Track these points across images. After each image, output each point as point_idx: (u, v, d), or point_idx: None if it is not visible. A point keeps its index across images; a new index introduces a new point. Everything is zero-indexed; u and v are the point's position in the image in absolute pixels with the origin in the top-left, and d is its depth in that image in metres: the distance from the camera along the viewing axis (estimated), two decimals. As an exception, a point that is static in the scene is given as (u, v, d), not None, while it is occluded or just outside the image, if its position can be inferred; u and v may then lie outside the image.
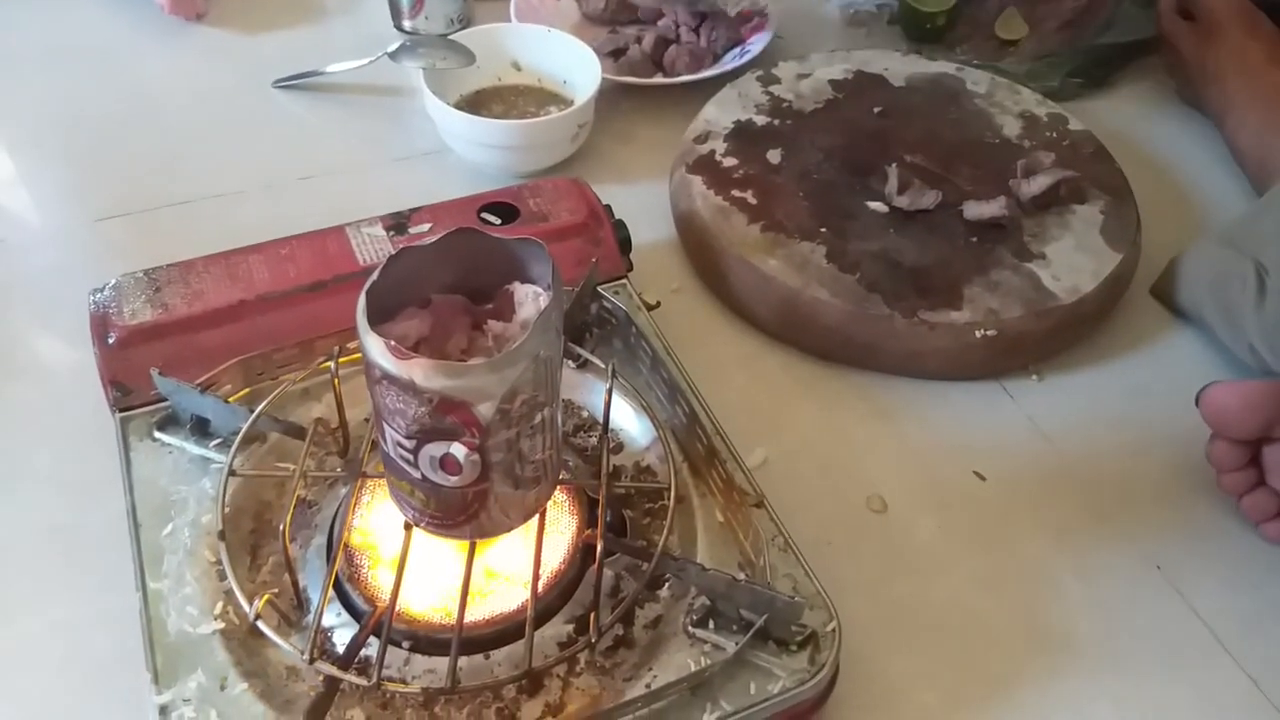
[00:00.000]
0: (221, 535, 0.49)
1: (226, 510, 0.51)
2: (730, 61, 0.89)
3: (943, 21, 0.97)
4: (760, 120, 0.80)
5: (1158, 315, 0.74)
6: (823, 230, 0.71)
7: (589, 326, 0.64)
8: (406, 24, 0.94)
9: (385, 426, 0.42)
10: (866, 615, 0.54)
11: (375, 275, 0.41)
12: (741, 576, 0.49)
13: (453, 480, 0.42)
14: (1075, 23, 0.95)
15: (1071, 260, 0.69)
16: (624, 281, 0.66)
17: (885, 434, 0.66)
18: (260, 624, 0.46)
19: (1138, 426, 0.67)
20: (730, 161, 0.76)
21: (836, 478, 0.63)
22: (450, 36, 0.83)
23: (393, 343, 0.38)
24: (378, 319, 0.42)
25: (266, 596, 0.47)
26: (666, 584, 0.51)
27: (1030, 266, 0.69)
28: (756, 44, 0.91)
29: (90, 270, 0.63)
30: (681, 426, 0.58)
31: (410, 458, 0.41)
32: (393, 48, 0.84)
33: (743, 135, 0.78)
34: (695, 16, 0.94)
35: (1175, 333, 0.73)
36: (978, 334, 0.66)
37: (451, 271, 0.45)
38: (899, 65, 0.86)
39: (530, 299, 0.44)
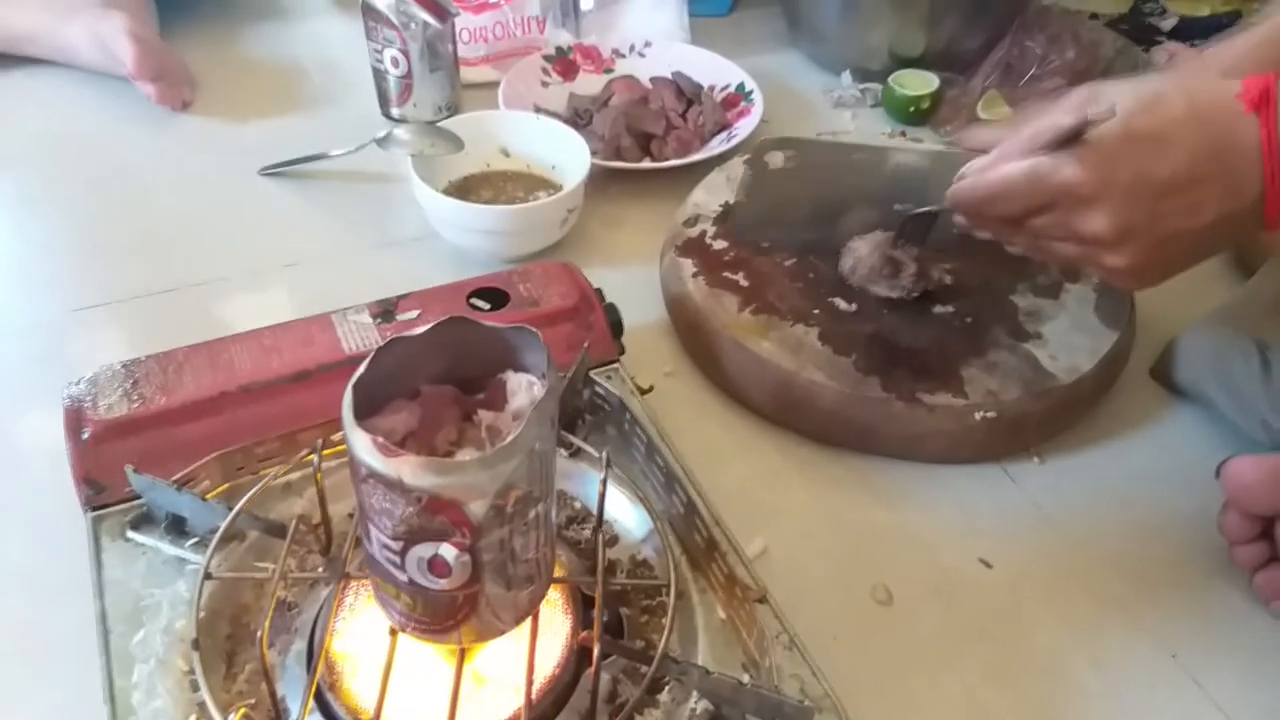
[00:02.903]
0: (195, 644, 0.46)
1: (202, 615, 0.48)
2: (717, 145, 0.90)
3: (927, 104, 0.98)
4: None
5: (1157, 393, 0.73)
6: (816, 312, 0.70)
7: (581, 413, 0.62)
8: (395, 112, 0.94)
9: (370, 527, 0.40)
10: (877, 714, 0.52)
11: (363, 367, 0.40)
12: (746, 679, 0.46)
13: (441, 583, 0.39)
14: (1056, 104, 0.97)
15: (1068, 340, 0.69)
16: (616, 365, 0.65)
17: (887, 520, 0.64)
18: (235, 740, 0.43)
19: (1144, 507, 0.65)
20: (720, 244, 0.76)
21: (839, 567, 0.61)
22: (438, 124, 0.84)
23: (380, 439, 0.37)
24: (365, 412, 0.40)
25: (243, 710, 0.45)
26: (667, 688, 0.48)
27: (1027, 347, 0.68)
28: (743, 128, 0.91)
29: (68, 361, 0.61)
30: (679, 517, 0.56)
31: (397, 560, 0.39)
32: (380, 134, 0.84)
33: (732, 218, 0.78)
34: (682, 101, 0.95)
35: (1176, 411, 0.72)
36: (977, 416, 0.64)
37: (442, 361, 0.43)
38: (884, 147, 0.87)
39: (524, 388, 0.43)
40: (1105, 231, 0.51)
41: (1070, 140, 0.52)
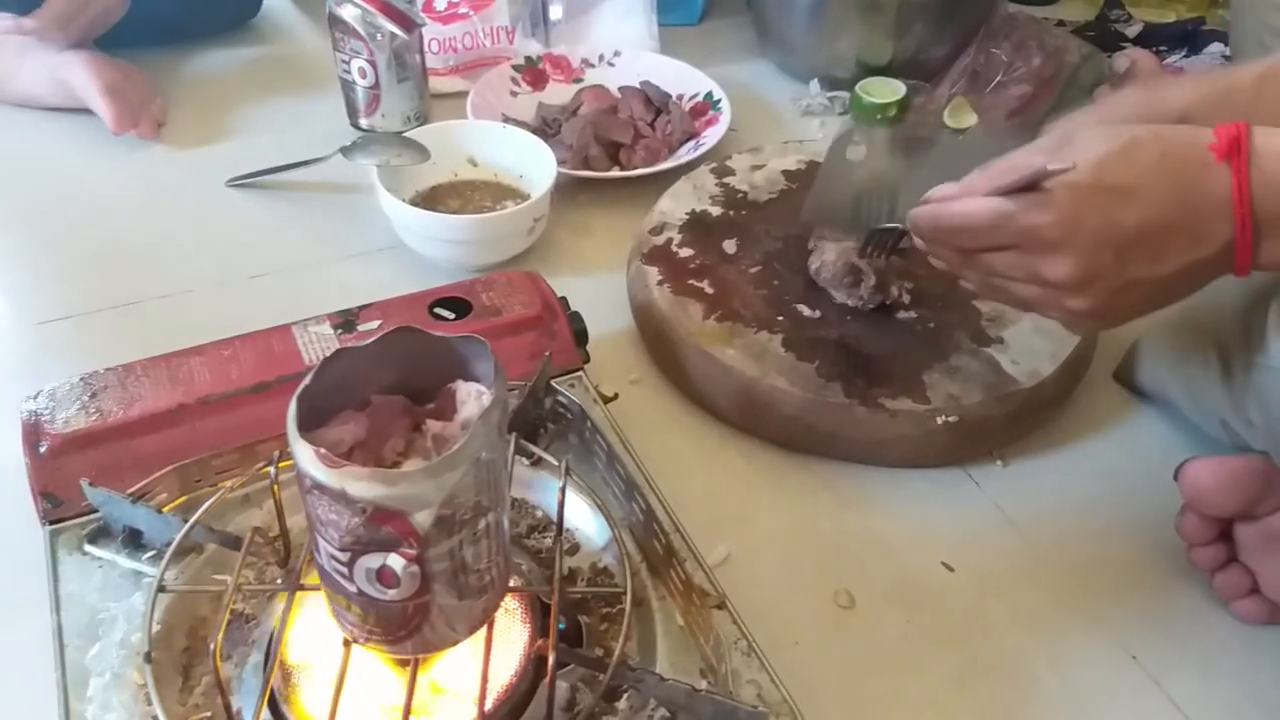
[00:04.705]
0: (148, 657, 0.46)
1: (157, 629, 0.48)
2: (685, 154, 0.90)
3: (894, 112, 0.99)
4: (715, 211, 0.80)
5: (1119, 396, 0.74)
6: (780, 319, 0.70)
7: (543, 422, 0.62)
8: (363, 122, 0.94)
9: (319, 538, 0.39)
10: (836, 719, 0.51)
11: (308, 379, 0.40)
12: (703, 685, 0.46)
13: (391, 594, 0.39)
14: (1022, 110, 0.98)
15: (1029, 344, 0.69)
16: (580, 374, 0.65)
17: (851, 525, 0.64)
18: (187, 754, 0.43)
19: (1106, 510, 0.66)
20: (686, 252, 0.76)
21: (802, 573, 0.61)
22: (406, 134, 0.84)
23: (322, 450, 0.37)
24: (314, 424, 0.40)
25: (195, 722, 0.44)
26: (624, 695, 0.48)
27: (989, 351, 0.69)
28: (711, 137, 0.92)
29: (30, 375, 0.61)
30: (639, 524, 0.56)
31: (345, 571, 0.39)
32: (347, 144, 0.84)
33: (698, 226, 0.78)
34: (650, 111, 0.95)
35: (1138, 413, 0.72)
36: (939, 420, 0.65)
37: (393, 371, 0.43)
38: (852, 154, 0.87)
39: (473, 398, 0.43)
40: (1068, 277, 0.52)
41: (1032, 186, 0.52)
